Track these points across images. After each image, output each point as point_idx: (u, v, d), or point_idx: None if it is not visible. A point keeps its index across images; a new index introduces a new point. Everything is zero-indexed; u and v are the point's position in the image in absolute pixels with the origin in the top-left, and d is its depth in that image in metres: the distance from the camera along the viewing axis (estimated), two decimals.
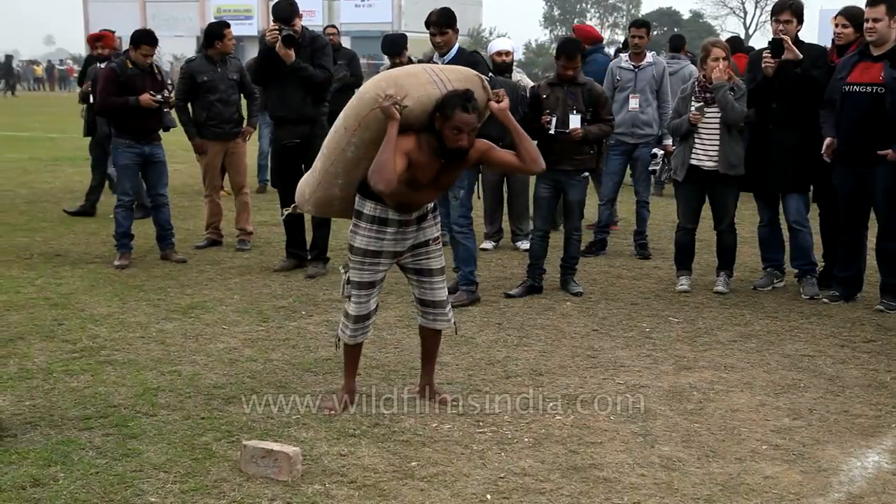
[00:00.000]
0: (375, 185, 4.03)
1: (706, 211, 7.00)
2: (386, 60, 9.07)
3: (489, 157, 4.35)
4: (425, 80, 4.18)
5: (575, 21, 72.64)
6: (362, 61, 13.84)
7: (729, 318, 6.22)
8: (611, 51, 11.87)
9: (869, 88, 6.20)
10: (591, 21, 79.63)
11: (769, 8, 16.19)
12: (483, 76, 4.43)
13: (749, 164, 6.67)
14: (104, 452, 3.96)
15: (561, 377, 5.01)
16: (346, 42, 16.26)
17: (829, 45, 7.15)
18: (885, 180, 6.22)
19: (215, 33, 8.17)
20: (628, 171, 8.59)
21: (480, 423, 4.34)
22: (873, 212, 6.49)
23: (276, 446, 3.77)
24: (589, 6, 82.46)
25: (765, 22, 63.66)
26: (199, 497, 3.59)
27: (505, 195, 8.71)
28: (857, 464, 3.98)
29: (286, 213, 4.99)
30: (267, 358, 5.28)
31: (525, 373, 5.07)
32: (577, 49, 6.75)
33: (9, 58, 47.76)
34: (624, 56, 8.57)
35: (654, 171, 8.32)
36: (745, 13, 72.43)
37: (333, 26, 11.62)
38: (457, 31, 6.54)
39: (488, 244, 8.50)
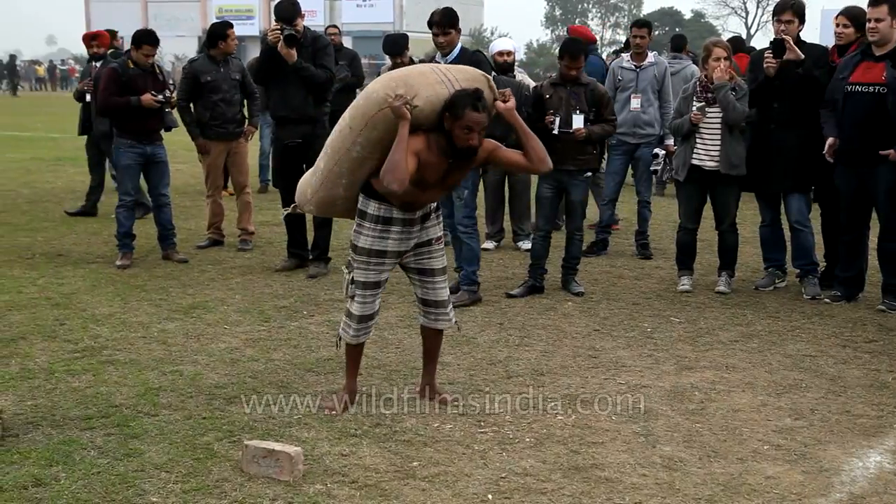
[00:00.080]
0: (389, 185, 4.02)
1: (708, 211, 7.00)
2: (387, 60, 9.07)
3: (496, 156, 4.36)
4: (434, 80, 4.18)
5: (577, 21, 72.72)
6: (364, 61, 13.85)
7: (730, 318, 6.22)
8: (613, 51, 11.88)
9: (871, 88, 6.20)
10: (593, 21, 79.75)
11: (771, 8, 16.17)
12: (488, 76, 4.44)
13: (750, 164, 6.66)
14: (106, 452, 3.96)
15: (562, 377, 5.01)
16: (347, 42, 16.29)
17: (830, 45, 7.15)
18: (886, 180, 6.22)
19: (219, 33, 8.17)
20: (630, 171, 8.59)
21: (482, 423, 4.34)
22: (875, 212, 6.48)
23: (277, 446, 3.77)
24: (590, 6, 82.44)
25: (766, 22, 63.72)
26: (201, 497, 3.59)
27: (506, 195, 8.72)
28: (858, 464, 3.97)
29: (286, 212, 4.99)
30: (268, 358, 5.28)
31: (526, 373, 5.07)
32: (580, 49, 6.75)
33: (13, 57, 47.82)
34: (625, 56, 8.57)
35: (655, 171, 8.31)
36: (747, 13, 72.51)
37: (335, 26, 11.63)
38: (459, 31, 6.55)
39: (490, 244, 8.50)
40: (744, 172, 6.65)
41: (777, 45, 6.56)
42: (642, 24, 8.51)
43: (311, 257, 7.48)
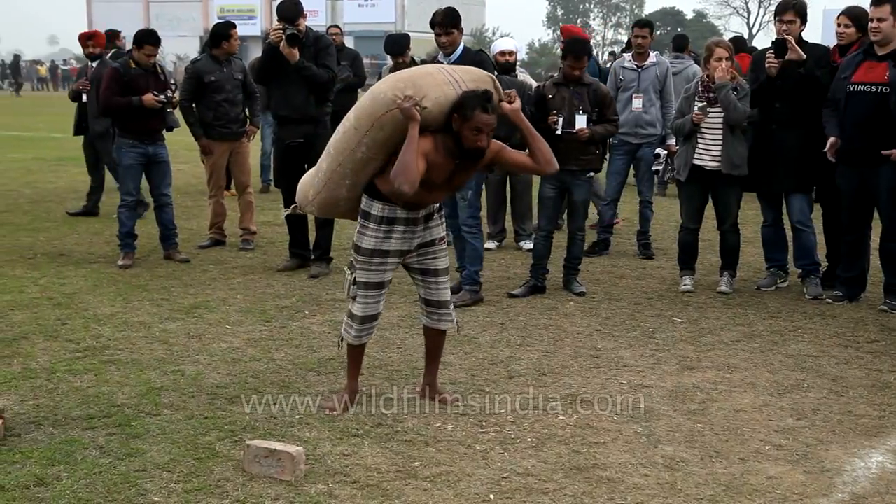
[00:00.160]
0: (400, 187, 4.01)
1: (709, 211, 6.99)
2: (389, 60, 9.07)
3: (501, 157, 4.35)
4: (441, 81, 4.17)
5: (578, 21, 72.71)
6: (365, 61, 13.85)
7: (732, 319, 6.22)
8: (609, 52, 11.89)
9: (873, 88, 6.20)
10: (594, 21, 79.73)
11: (773, 8, 16.18)
12: (494, 77, 4.44)
13: (752, 164, 6.66)
14: (108, 452, 3.96)
15: (564, 377, 5.01)
16: (349, 42, 16.31)
17: (832, 45, 7.14)
18: (889, 180, 6.21)
19: (222, 33, 8.17)
20: (631, 171, 8.58)
21: (483, 423, 4.34)
22: (877, 212, 6.48)
23: (279, 446, 3.77)
24: (592, 6, 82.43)
25: (768, 22, 63.62)
26: (203, 497, 3.59)
27: (508, 195, 8.72)
28: (860, 464, 3.97)
29: (287, 213, 4.99)
30: (270, 358, 5.28)
31: (528, 373, 5.07)
32: (584, 49, 6.76)
33: (16, 57, 47.86)
34: (627, 56, 8.57)
35: (657, 171, 8.31)
36: (749, 13, 72.45)
37: (336, 26, 11.63)
38: (462, 31, 6.55)
39: (491, 244, 8.50)
40: (745, 172, 6.65)
41: (779, 45, 6.56)
42: (644, 24, 8.52)
43: (312, 257, 7.48)
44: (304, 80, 7.13)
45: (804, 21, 6.71)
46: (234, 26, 8.37)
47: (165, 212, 7.81)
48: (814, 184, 6.91)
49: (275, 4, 7.46)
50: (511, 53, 7.90)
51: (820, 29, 26.05)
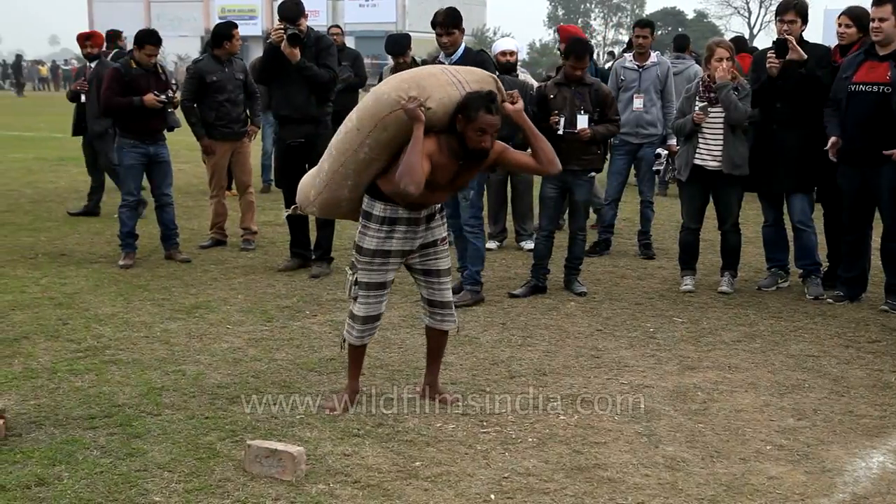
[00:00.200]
0: (406, 188, 4.01)
1: (710, 211, 6.99)
2: (389, 60, 9.08)
3: (505, 158, 4.35)
4: (444, 82, 4.17)
5: (579, 21, 72.70)
6: (366, 61, 13.85)
7: (733, 319, 6.22)
8: (608, 52, 11.90)
9: (875, 88, 6.20)
10: (595, 21, 79.72)
11: (773, 8, 16.18)
12: (496, 77, 4.43)
13: (753, 164, 6.66)
14: (108, 452, 3.96)
15: (565, 377, 5.01)
16: (349, 42, 16.32)
17: (833, 45, 7.14)
18: (890, 180, 6.21)
19: (224, 34, 8.17)
20: (632, 171, 8.57)
21: (484, 423, 4.34)
22: (878, 212, 6.48)
23: (280, 446, 3.77)
24: (593, 6, 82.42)
25: (769, 22, 63.59)
26: (203, 496, 3.59)
27: (509, 195, 8.72)
28: (861, 464, 3.97)
29: (288, 213, 4.99)
30: (271, 358, 5.28)
31: (529, 373, 5.07)
32: (586, 50, 6.76)
33: (18, 57, 47.86)
34: (628, 56, 8.57)
35: (658, 171, 8.31)
36: (750, 13, 72.40)
37: (337, 26, 11.63)
38: (463, 31, 6.55)
39: (492, 244, 8.50)
40: (746, 172, 6.65)
41: (780, 45, 6.56)
42: (645, 24, 8.52)
43: (313, 257, 7.48)
44: (305, 80, 7.14)
45: (805, 21, 6.71)
46: (236, 26, 8.36)
47: (166, 212, 7.81)
48: (815, 184, 6.91)
49: (276, 4, 7.47)
50: (512, 53, 7.90)
51: (821, 29, 26.01)
